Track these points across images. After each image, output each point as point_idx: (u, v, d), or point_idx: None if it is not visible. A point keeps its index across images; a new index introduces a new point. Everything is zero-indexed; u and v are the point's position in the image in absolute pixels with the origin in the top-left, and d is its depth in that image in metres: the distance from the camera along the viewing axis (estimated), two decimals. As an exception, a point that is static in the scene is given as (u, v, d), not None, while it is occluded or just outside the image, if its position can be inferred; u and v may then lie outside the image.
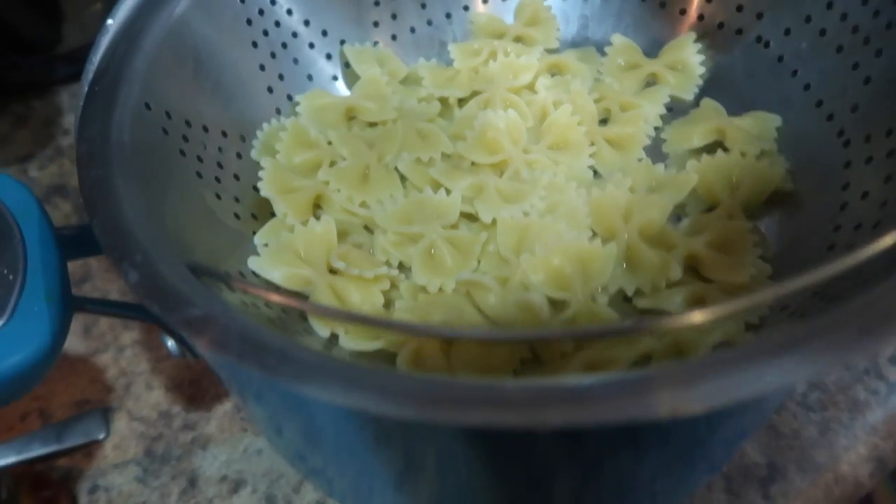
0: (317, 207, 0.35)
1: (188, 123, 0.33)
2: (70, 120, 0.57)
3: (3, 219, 0.27)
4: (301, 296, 0.30)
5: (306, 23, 0.40)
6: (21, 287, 0.25)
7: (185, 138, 0.32)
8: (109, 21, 0.32)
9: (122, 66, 0.30)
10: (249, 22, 0.37)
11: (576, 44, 0.43)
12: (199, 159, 0.32)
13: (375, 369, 0.19)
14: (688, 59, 0.40)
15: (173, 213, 0.28)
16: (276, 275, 0.30)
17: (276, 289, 0.30)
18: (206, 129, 0.34)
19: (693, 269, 0.32)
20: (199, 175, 0.32)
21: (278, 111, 0.39)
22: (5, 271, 0.26)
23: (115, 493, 0.37)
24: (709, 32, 0.40)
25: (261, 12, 0.38)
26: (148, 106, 0.30)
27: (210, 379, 0.41)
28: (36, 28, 0.55)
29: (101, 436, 0.39)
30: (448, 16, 0.44)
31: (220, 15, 0.36)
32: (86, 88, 0.29)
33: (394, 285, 0.32)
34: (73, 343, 0.42)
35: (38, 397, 0.41)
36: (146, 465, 0.38)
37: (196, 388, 0.41)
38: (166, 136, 0.31)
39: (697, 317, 0.21)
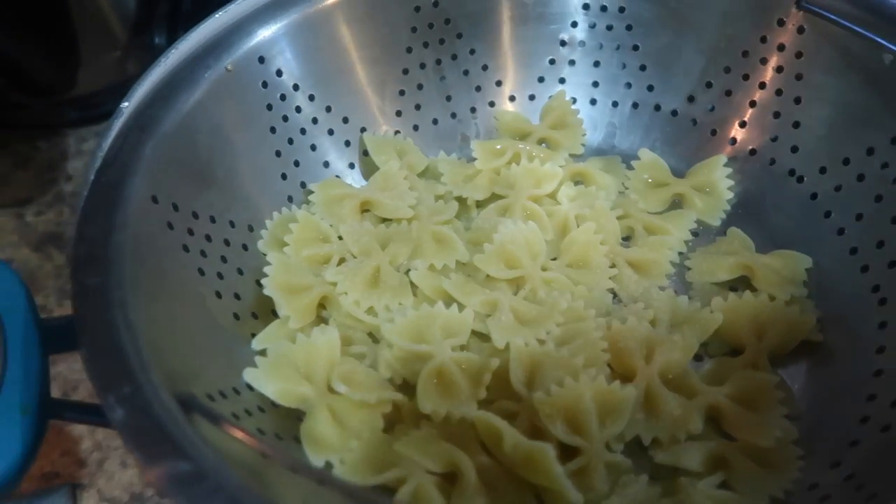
0: (321, 308, 0.34)
1: (195, 215, 0.31)
2: (75, 165, 0.55)
3: (-14, 315, 0.25)
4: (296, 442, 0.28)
5: (328, 109, 0.39)
6: (-5, 395, 0.23)
7: (191, 232, 0.30)
8: (124, 104, 0.31)
9: (132, 156, 0.29)
10: (270, 107, 0.36)
11: (601, 151, 0.42)
12: (203, 254, 0.31)
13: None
14: (717, 182, 0.38)
15: (169, 320, 0.26)
16: (271, 390, 0.28)
17: (272, 405, 0.28)
18: (213, 219, 0.32)
19: (714, 420, 0.30)
20: (200, 272, 0.30)
21: (290, 199, 0.37)
22: (-19, 376, 0.24)
23: (74, 588, 0.35)
24: (740, 157, 0.39)
25: (282, 97, 0.37)
26: (155, 199, 0.29)
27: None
28: (48, 71, 0.54)
29: (64, 518, 0.37)
30: (473, 110, 0.43)
31: (241, 100, 0.35)
32: (91, 177, 0.28)
33: (396, 407, 0.30)
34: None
35: (4, 469, 0.39)
36: (110, 557, 0.35)
37: (172, 473, 0.38)
38: (171, 231, 0.29)
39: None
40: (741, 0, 0.37)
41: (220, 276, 0.31)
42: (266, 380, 0.28)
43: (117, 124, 0.30)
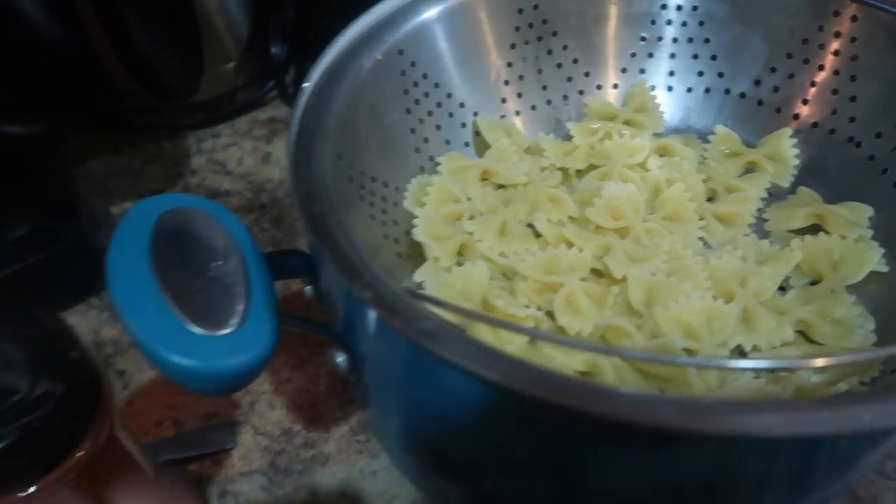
0: (459, 255, 0.40)
1: (362, 174, 0.38)
2: (198, 162, 0.62)
3: (228, 242, 0.32)
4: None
5: (448, 95, 0.46)
6: (248, 297, 0.30)
7: (362, 186, 0.37)
8: (305, 84, 0.38)
9: (319, 123, 0.36)
10: (407, 92, 0.43)
11: (678, 131, 0.49)
12: (371, 204, 0.38)
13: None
14: (784, 151, 0.45)
15: (365, 246, 0.33)
16: (438, 308, 0.34)
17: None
18: (373, 179, 0.39)
19: (802, 335, 0.36)
20: (372, 217, 0.37)
21: (422, 169, 0.44)
22: (237, 282, 0.30)
23: (243, 499, 0.41)
24: (803, 130, 0.46)
25: (415, 84, 0.44)
26: (339, 157, 0.36)
27: (327, 403, 0.45)
28: (180, 78, 0.62)
29: (231, 446, 0.43)
30: (565, 98, 0.50)
31: (387, 84, 0.41)
32: (293, 138, 0.35)
33: (536, 326, 0.36)
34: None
35: (173, 407, 0.45)
36: (270, 475, 0.41)
37: (315, 411, 0.45)
38: (350, 183, 0.36)
39: (820, 361, 0.25)
40: (802, -4, 0.44)
41: (383, 223, 0.38)
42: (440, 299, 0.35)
43: (303, 99, 0.37)
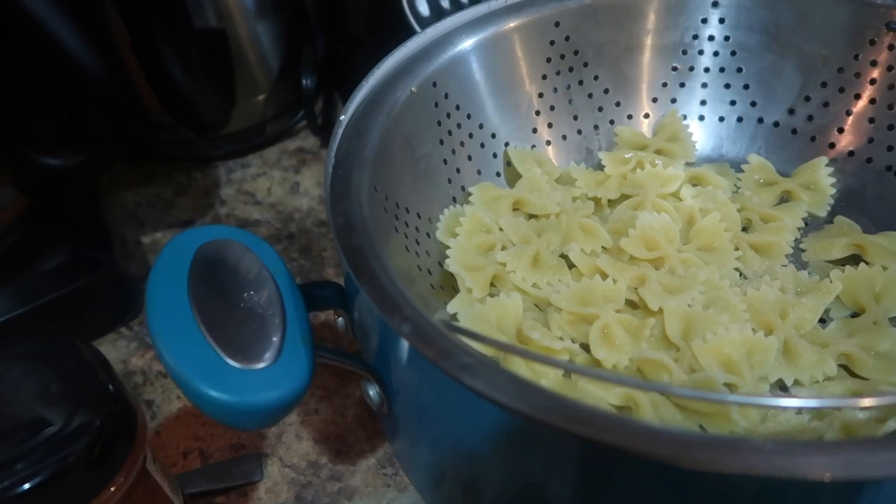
0: (492, 286, 0.40)
1: (397, 205, 0.38)
2: (227, 192, 0.63)
3: (265, 273, 0.32)
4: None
5: (480, 126, 0.46)
6: (284, 330, 0.30)
7: (396, 217, 0.37)
8: (342, 117, 0.38)
9: (356, 154, 0.36)
10: (439, 123, 0.43)
11: (711, 160, 0.49)
12: (406, 235, 0.38)
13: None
14: (820, 180, 0.44)
15: (401, 278, 0.33)
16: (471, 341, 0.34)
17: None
18: (407, 210, 0.39)
19: (845, 368, 0.35)
20: (406, 248, 0.37)
21: (454, 199, 0.44)
22: (272, 315, 0.30)
23: (271, 533, 0.40)
24: (839, 159, 0.45)
25: (448, 115, 0.44)
26: (375, 188, 0.36)
27: (355, 435, 0.45)
28: (213, 110, 0.63)
29: (258, 478, 0.43)
30: (595, 127, 0.49)
31: (421, 115, 0.42)
32: (330, 170, 0.35)
33: (570, 359, 0.36)
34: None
35: (200, 438, 0.45)
36: (298, 509, 0.41)
37: (342, 443, 0.44)
38: (386, 214, 0.36)
39: (867, 402, 0.24)
40: (836, 25, 0.44)
41: (417, 254, 0.38)
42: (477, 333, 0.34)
43: (340, 131, 0.37)
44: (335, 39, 0.67)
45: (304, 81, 0.63)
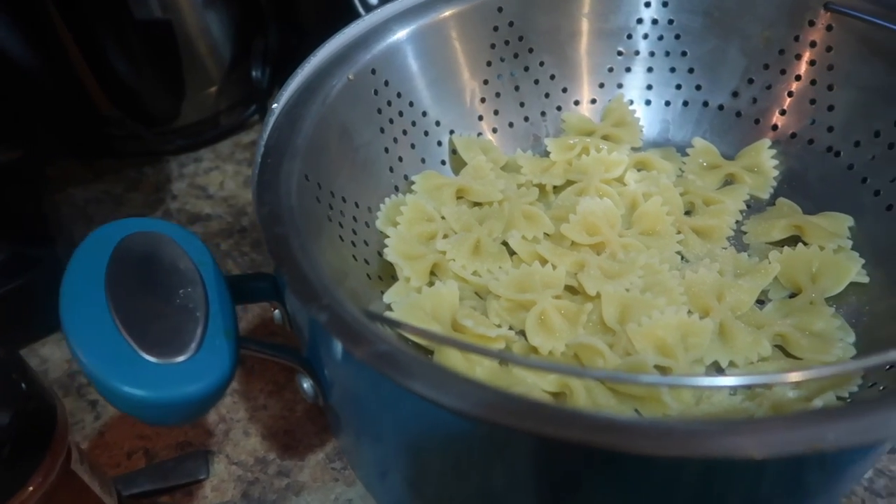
0: (432, 275, 0.39)
1: (332, 194, 0.37)
2: (179, 186, 0.62)
3: (189, 266, 0.31)
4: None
5: (424, 114, 0.45)
6: (206, 323, 0.29)
7: (331, 206, 0.37)
8: (274, 105, 0.37)
9: (287, 143, 0.35)
10: (380, 111, 0.43)
11: (657, 144, 0.48)
12: (341, 225, 0.37)
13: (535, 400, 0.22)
14: (763, 162, 0.44)
15: (330, 268, 0.32)
16: (407, 328, 0.34)
17: (405, 343, 0.34)
18: (344, 199, 0.38)
19: (781, 349, 0.35)
20: (341, 238, 0.36)
21: (396, 188, 0.43)
22: (193, 308, 0.30)
23: (216, 531, 0.40)
24: (782, 141, 0.45)
25: (389, 103, 0.43)
26: (307, 177, 0.35)
27: (303, 430, 0.44)
28: (162, 103, 0.62)
29: (203, 476, 0.42)
30: (543, 114, 0.49)
31: (359, 103, 0.41)
32: (259, 160, 0.34)
33: (507, 346, 0.35)
34: (184, 388, 0.46)
35: (145, 437, 0.45)
36: (244, 507, 0.40)
37: (290, 438, 0.44)
38: (318, 204, 0.36)
39: (794, 376, 0.24)
40: (777, 6, 0.44)
41: (353, 243, 0.37)
42: (402, 321, 0.34)
43: (271, 120, 0.37)
44: (288, 30, 0.66)
45: (254, 73, 0.62)
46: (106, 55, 0.54)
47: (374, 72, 0.42)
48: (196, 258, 0.32)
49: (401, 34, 0.43)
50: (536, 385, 0.33)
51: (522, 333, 0.36)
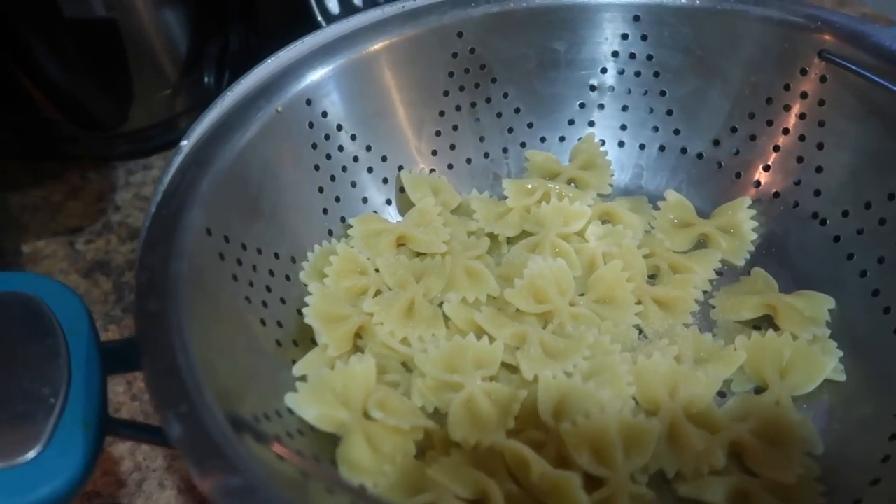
0: (358, 338, 0.35)
1: (244, 247, 0.33)
2: (123, 196, 0.58)
3: (54, 335, 0.27)
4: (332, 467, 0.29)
5: (368, 148, 0.41)
6: (61, 412, 0.25)
7: (239, 262, 0.32)
8: (183, 142, 0.33)
9: (189, 190, 0.31)
10: (315, 146, 0.38)
11: (628, 191, 0.44)
12: (250, 283, 0.33)
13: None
14: (741, 223, 0.40)
15: (219, 345, 0.28)
16: (310, 414, 0.29)
17: (310, 429, 0.30)
18: (259, 251, 0.34)
19: (737, 456, 0.31)
20: (247, 300, 0.32)
21: (330, 232, 0.39)
22: (48, 393, 0.25)
23: None
24: (764, 200, 0.40)
25: (326, 137, 0.39)
26: (209, 231, 0.31)
27: (224, 487, 0.40)
28: (106, 107, 0.57)
29: (106, 536, 0.38)
30: (505, 150, 0.45)
31: (288, 139, 0.37)
32: (153, 210, 0.30)
33: (427, 435, 0.31)
34: (94, 435, 0.42)
35: (50, 486, 0.41)
36: (149, 573, 0.37)
37: (209, 495, 0.40)
38: (222, 262, 0.31)
39: None
40: (766, 50, 0.39)
41: (264, 304, 0.33)
42: (306, 404, 0.30)
43: (177, 160, 0.32)
44: (249, 32, 0.62)
45: (205, 79, 0.58)
46: (35, 57, 0.49)
47: (308, 102, 0.38)
48: (68, 325, 0.28)
49: (348, 58, 0.38)
50: (451, 490, 0.28)
51: (448, 417, 0.32)
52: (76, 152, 0.60)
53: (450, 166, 0.44)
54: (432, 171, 0.43)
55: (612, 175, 0.44)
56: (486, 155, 0.44)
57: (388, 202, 0.42)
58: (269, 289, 0.34)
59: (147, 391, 0.23)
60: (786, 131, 0.40)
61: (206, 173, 0.32)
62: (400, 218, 0.42)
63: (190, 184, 0.31)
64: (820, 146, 0.38)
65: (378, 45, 0.40)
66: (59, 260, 0.53)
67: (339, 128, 0.39)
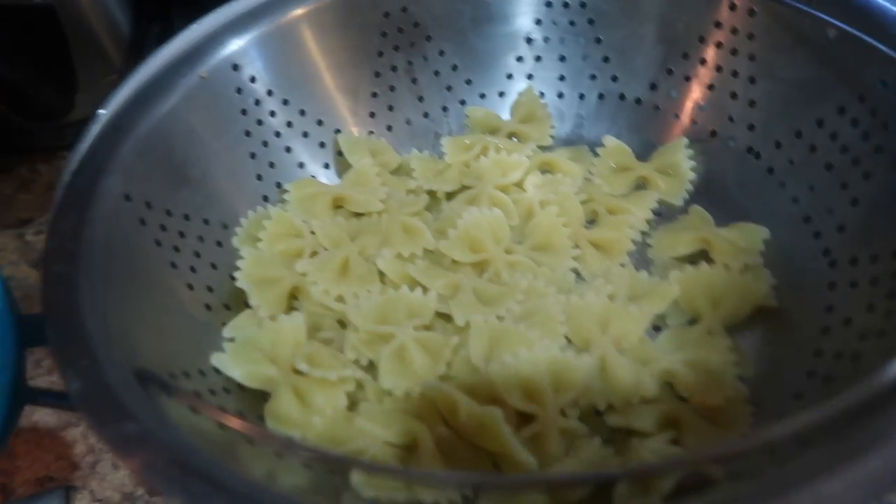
0: (293, 298, 0.35)
1: (168, 213, 0.33)
2: (76, 187, 0.57)
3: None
4: (255, 420, 0.29)
5: (302, 112, 0.40)
6: (-26, 380, 0.25)
7: (163, 227, 0.32)
8: (101, 111, 0.33)
9: (107, 157, 0.31)
10: (244, 112, 0.38)
11: (570, 141, 0.44)
12: (176, 249, 0.32)
13: None
14: (679, 163, 0.39)
15: (135, 309, 0.28)
16: (237, 373, 0.29)
17: (238, 387, 0.30)
18: (187, 217, 0.34)
19: (670, 386, 0.30)
20: (173, 265, 0.32)
21: (265, 198, 0.39)
22: (-40, 361, 0.25)
23: (71, 580, 0.36)
24: (701, 139, 0.40)
25: (257, 102, 0.38)
26: (128, 197, 0.30)
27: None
28: (50, 97, 0.57)
29: (60, 515, 0.38)
30: (444, 109, 0.44)
31: (215, 105, 0.36)
32: (66, 179, 0.30)
33: (360, 386, 0.31)
34: (44, 416, 0.42)
35: (2, 472, 0.41)
36: (104, 550, 0.37)
37: (166, 471, 0.40)
38: (143, 227, 0.31)
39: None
40: (694, -13, 0.39)
41: (192, 269, 0.33)
42: (233, 363, 0.30)
43: (94, 129, 0.32)
44: (192, 10, 0.61)
45: (150, 62, 0.57)
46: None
47: (235, 68, 0.37)
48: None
49: (266, 26, 0.38)
50: (382, 436, 0.28)
51: (383, 370, 0.31)
52: (26, 144, 0.60)
53: (389, 128, 0.43)
54: (371, 133, 0.43)
55: (553, 126, 0.44)
56: (426, 114, 0.44)
57: (326, 166, 0.42)
58: (197, 254, 0.34)
59: (50, 351, 0.23)
60: (719, 69, 0.39)
61: (124, 140, 0.32)
62: (339, 181, 0.41)
63: (107, 151, 0.31)
64: (752, 80, 0.38)
65: (301, 10, 0.39)
66: (8, 252, 0.52)
67: (270, 93, 0.39)
